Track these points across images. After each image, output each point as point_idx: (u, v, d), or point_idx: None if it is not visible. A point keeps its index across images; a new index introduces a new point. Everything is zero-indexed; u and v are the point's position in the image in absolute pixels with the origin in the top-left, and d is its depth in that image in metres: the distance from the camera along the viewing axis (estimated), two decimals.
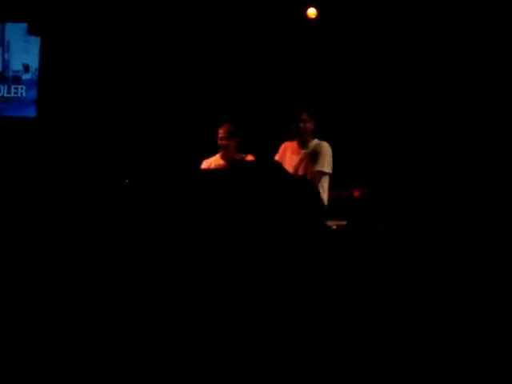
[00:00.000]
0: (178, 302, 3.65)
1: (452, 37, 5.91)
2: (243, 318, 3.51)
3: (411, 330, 3.48)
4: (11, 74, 6.70)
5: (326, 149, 4.73)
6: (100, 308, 3.63)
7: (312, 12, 6.15)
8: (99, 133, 6.35)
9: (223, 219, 4.11)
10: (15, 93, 6.71)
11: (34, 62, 6.64)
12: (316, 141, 4.80)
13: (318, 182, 4.66)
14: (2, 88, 6.71)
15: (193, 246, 3.98)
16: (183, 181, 4.41)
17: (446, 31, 5.92)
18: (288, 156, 4.83)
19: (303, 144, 4.80)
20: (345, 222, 4.68)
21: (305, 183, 4.54)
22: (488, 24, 5.80)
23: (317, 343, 3.33)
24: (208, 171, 4.90)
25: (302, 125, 4.76)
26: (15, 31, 6.65)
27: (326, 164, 4.69)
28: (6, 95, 6.71)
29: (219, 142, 5.02)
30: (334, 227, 4.61)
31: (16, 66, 6.69)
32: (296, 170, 4.72)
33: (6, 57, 6.68)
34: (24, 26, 6.62)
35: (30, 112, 6.67)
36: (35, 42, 6.61)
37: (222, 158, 5.03)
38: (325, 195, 4.72)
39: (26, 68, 6.67)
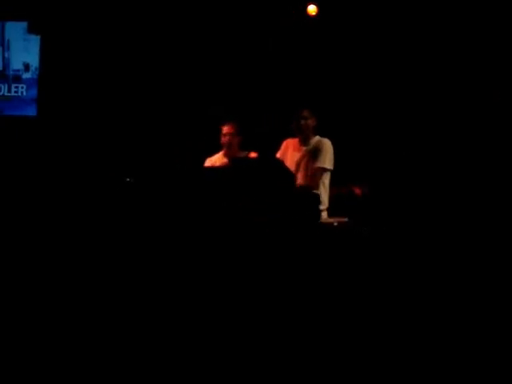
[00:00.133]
0: (178, 301, 3.65)
1: (452, 35, 5.91)
2: (243, 317, 3.51)
3: (411, 329, 3.48)
4: (11, 72, 6.70)
5: (328, 145, 4.73)
6: (101, 307, 3.63)
7: (312, 9, 6.14)
8: (100, 132, 6.34)
9: (223, 218, 4.11)
10: (15, 92, 6.70)
11: (34, 60, 6.64)
12: (317, 137, 4.81)
13: (319, 178, 4.66)
14: (3, 87, 6.70)
15: (192, 245, 3.98)
16: (183, 179, 4.41)
17: (446, 29, 5.92)
18: (290, 153, 4.84)
19: (305, 141, 4.81)
20: (346, 219, 4.68)
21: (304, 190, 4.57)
22: (488, 24, 5.80)
23: (318, 342, 3.33)
24: (207, 170, 4.90)
25: (303, 122, 4.77)
26: (15, 30, 6.64)
27: (327, 160, 4.70)
28: (6, 94, 6.71)
29: (223, 139, 5.03)
30: (336, 224, 4.61)
31: (16, 64, 6.69)
32: (297, 166, 4.73)
33: (6, 56, 6.68)
34: (24, 24, 6.61)
35: (31, 111, 6.67)
36: (35, 41, 6.60)
37: (225, 155, 5.03)
38: (326, 192, 4.72)
39: (27, 67, 6.67)
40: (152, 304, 3.63)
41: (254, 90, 6.23)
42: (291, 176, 4.44)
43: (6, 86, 6.70)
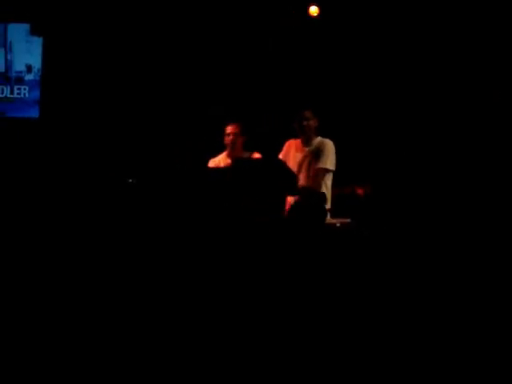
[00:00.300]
0: (178, 300, 3.65)
1: (453, 35, 5.91)
2: (243, 317, 3.52)
3: (412, 329, 3.48)
4: (14, 74, 6.70)
5: (330, 146, 4.74)
6: (103, 308, 3.63)
7: (314, 10, 6.15)
8: (102, 133, 6.35)
9: (224, 218, 4.11)
10: (18, 93, 6.71)
11: (36, 62, 6.64)
12: (319, 138, 4.81)
13: (322, 179, 4.67)
14: (5, 89, 6.71)
15: (195, 245, 3.99)
16: (185, 180, 4.41)
17: (446, 30, 5.92)
18: (292, 154, 4.84)
19: (307, 142, 4.81)
20: (349, 220, 4.68)
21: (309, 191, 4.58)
22: (488, 24, 5.80)
23: (319, 341, 3.33)
24: (209, 170, 4.90)
25: (305, 122, 4.78)
26: (18, 32, 6.64)
27: (329, 161, 4.71)
28: (8, 96, 6.71)
29: (226, 139, 5.02)
30: (338, 225, 4.61)
31: (19, 66, 6.69)
32: (299, 167, 4.73)
33: (8, 57, 6.68)
34: (26, 26, 6.61)
35: (33, 113, 6.67)
36: (38, 43, 6.60)
37: (229, 156, 5.02)
38: (328, 193, 4.73)
39: (29, 68, 6.67)
40: (154, 304, 3.63)
41: (256, 90, 6.24)
42: (294, 177, 4.45)
43: (9, 87, 6.70)
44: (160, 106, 6.40)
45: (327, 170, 4.70)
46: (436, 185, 5.65)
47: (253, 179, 4.30)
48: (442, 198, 5.49)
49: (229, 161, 4.97)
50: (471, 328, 3.48)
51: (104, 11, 6.41)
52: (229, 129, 5.02)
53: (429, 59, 5.98)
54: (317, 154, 4.74)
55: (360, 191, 4.95)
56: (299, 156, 4.80)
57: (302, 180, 4.68)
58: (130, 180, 4.58)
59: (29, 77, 6.68)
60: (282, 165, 4.50)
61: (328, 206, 4.72)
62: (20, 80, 6.69)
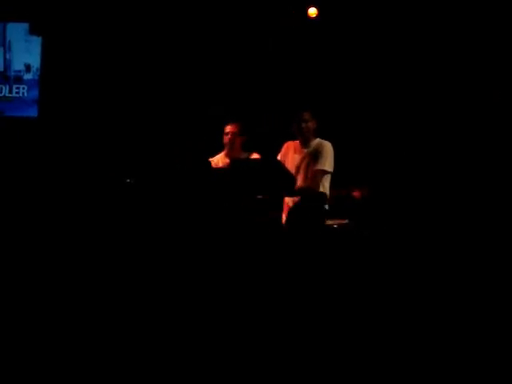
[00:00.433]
0: (180, 300, 3.66)
1: (452, 36, 5.91)
2: (243, 316, 3.52)
3: (411, 329, 3.48)
4: (13, 73, 6.70)
5: (328, 148, 4.74)
6: (102, 307, 3.63)
7: (313, 11, 6.15)
8: (101, 133, 6.35)
9: (222, 218, 4.11)
10: (17, 93, 6.71)
11: (35, 61, 6.64)
12: (318, 140, 4.81)
13: (320, 180, 4.67)
14: (4, 88, 6.71)
15: (194, 245, 3.99)
16: (184, 180, 4.41)
17: (446, 31, 5.92)
18: (290, 155, 4.84)
19: (305, 143, 4.81)
20: (346, 221, 4.69)
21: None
22: (488, 24, 5.80)
23: (318, 341, 3.33)
24: (208, 170, 4.90)
25: (303, 124, 4.78)
26: (17, 31, 6.64)
27: (328, 163, 4.71)
28: (7, 95, 6.71)
29: (225, 138, 5.02)
30: (336, 226, 4.62)
31: (17, 65, 6.69)
32: (298, 169, 4.73)
33: (7, 57, 6.68)
34: (25, 25, 6.62)
35: (32, 112, 6.67)
36: (37, 42, 6.61)
37: (227, 156, 5.02)
38: (326, 194, 4.73)
39: (28, 68, 6.67)
40: (153, 303, 3.64)
41: (255, 91, 6.24)
42: (292, 178, 4.45)
43: (7, 86, 6.70)
44: (160, 106, 6.40)
45: (325, 172, 4.70)
46: (434, 186, 5.66)
47: (250, 180, 4.30)
48: (439, 200, 5.50)
49: (227, 160, 4.97)
50: (471, 327, 3.49)
51: (103, 11, 6.41)
52: (228, 128, 5.02)
53: (428, 61, 5.98)
54: (315, 155, 4.73)
55: (356, 194, 4.96)
56: (297, 157, 4.80)
57: (299, 181, 4.68)
58: (128, 180, 4.59)
59: (27, 76, 6.68)
60: (280, 166, 4.51)
61: (326, 207, 4.73)
62: (19, 79, 6.69)
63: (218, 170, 4.79)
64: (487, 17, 5.82)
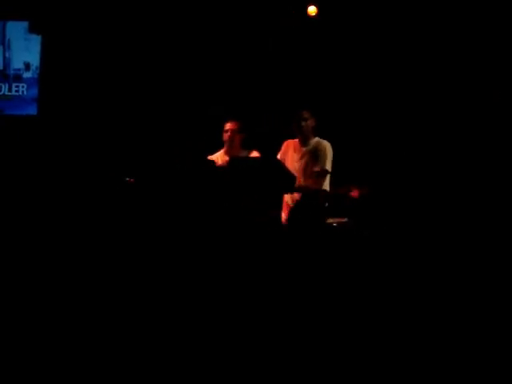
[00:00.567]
0: (179, 299, 3.66)
1: (452, 36, 5.91)
2: (244, 316, 3.52)
3: (411, 328, 3.49)
4: (12, 72, 6.70)
5: (329, 147, 4.77)
6: (101, 306, 3.63)
7: (312, 10, 6.15)
8: (100, 131, 6.35)
9: (223, 218, 4.12)
10: (16, 91, 6.71)
11: (34, 60, 6.64)
12: (317, 139, 4.83)
13: (323, 179, 4.70)
14: (3, 86, 6.71)
15: (193, 244, 3.99)
16: (183, 179, 4.42)
17: (446, 30, 5.92)
18: (290, 154, 4.85)
19: (304, 142, 4.82)
20: (345, 220, 4.70)
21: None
22: (488, 24, 5.80)
23: (318, 340, 3.33)
24: (207, 170, 4.89)
25: (303, 123, 4.79)
26: (16, 29, 6.64)
27: (328, 163, 4.73)
28: (7, 93, 6.71)
29: (225, 135, 5.01)
30: (335, 224, 4.63)
31: (17, 64, 6.69)
32: (297, 167, 4.74)
33: (7, 55, 6.68)
34: (25, 24, 6.62)
35: (31, 110, 6.67)
36: (36, 41, 6.61)
37: (226, 153, 5.01)
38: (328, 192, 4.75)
39: (27, 66, 6.67)
40: (153, 302, 3.64)
41: (255, 90, 6.24)
42: (292, 176, 4.46)
43: (7, 85, 6.70)
44: (159, 105, 6.40)
45: (328, 172, 4.73)
46: (433, 185, 5.66)
47: (248, 178, 4.30)
48: (438, 198, 5.50)
49: (226, 158, 4.96)
50: (470, 327, 3.49)
51: (102, 9, 6.41)
52: (227, 126, 5.01)
53: (428, 59, 5.98)
54: (316, 155, 4.75)
55: (354, 194, 4.96)
56: (297, 156, 4.81)
57: (299, 179, 4.69)
58: (128, 178, 4.59)
59: (27, 74, 6.68)
60: (280, 164, 4.52)
61: (326, 205, 4.74)
62: (18, 78, 6.69)
63: (220, 169, 4.79)
64: (487, 17, 5.82)
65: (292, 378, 3.01)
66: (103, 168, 5.76)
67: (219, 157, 5.06)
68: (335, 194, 4.89)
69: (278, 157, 4.86)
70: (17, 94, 6.71)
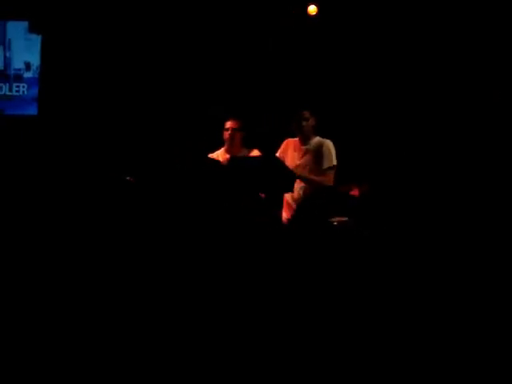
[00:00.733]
0: (179, 300, 3.66)
1: (452, 35, 5.91)
2: (244, 316, 3.52)
3: (411, 329, 3.48)
4: (13, 72, 6.70)
5: (331, 146, 4.78)
6: (101, 307, 3.63)
7: (312, 9, 6.15)
8: (101, 131, 6.35)
9: (222, 218, 4.12)
10: (17, 91, 6.71)
11: (35, 60, 6.64)
12: (318, 138, 4.83)
13: (332, 176, 4.72)
14: (4, 86, 6.71)
15: (193, 244, 3.99)
16: (182, 179, 4.42)
17: (446, 29, 5.92)
18: (290, 153, 4.85)
19: (305, 141, 4.83)
20: (346, 218, 4.69)
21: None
22: (488, 24, 5.80)
23: (318, 341, 3.33)
24: (206, 169, 4.89)
25: (304, 122, 4.79)
26: (16, 29, 6.65)
27: (333, 158, 4.75)
28: (7, 93, 6.71)
29: (225, 133, 5.02)
30: (335, 223, 4.62)
31: (17, 64, 6.69)
32: (298, 166, 4.74)
33: (7, 55, 6.69)
34: (25, 24, 6.62)
35: (32, 110, 6.68)
36: (36, 41, 6.61)
37: (227, 152, 5.01)
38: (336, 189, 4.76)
39: (28, 66, 6.67)
40: (152, 304, 3.64)
41: (255, 89, 6.24)
42: (292, 175, 4.46)
43: (7, 85, 6.71)
44: (159, 105, 6.41)
45: (334, 167, 4.75)
46: (434, 184, 5.66)
47: (248, 177, 4.30)
48: (439, 197, 5.50)
49: (227, 156, 4.97)
50: (470, 327, 3.49)
51: (103, 9, 6.42)
52: (228, 124, 5.02)
53: (428, 58, 5.99)
54: (318, 154, 4.76)
55: (355, 192, 4.96)
56: (297, 155, 4.82)
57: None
58: (128, 178, 4.59)
59: (27, 74, 6.69)
60: (280, 163, 4.52)
61: None
62: (19, 78, 6.70)
63: (219, 168, 4.79)
64: (487, 17, 5.82)
65: (292, 378, 3.01)
66: (104, 167, 5.77)
67: (220, 155, 5.07)
68: (335, 192, 4.89)
69: (278, 155, 4.86)
70: (17, 94, 6.71)
